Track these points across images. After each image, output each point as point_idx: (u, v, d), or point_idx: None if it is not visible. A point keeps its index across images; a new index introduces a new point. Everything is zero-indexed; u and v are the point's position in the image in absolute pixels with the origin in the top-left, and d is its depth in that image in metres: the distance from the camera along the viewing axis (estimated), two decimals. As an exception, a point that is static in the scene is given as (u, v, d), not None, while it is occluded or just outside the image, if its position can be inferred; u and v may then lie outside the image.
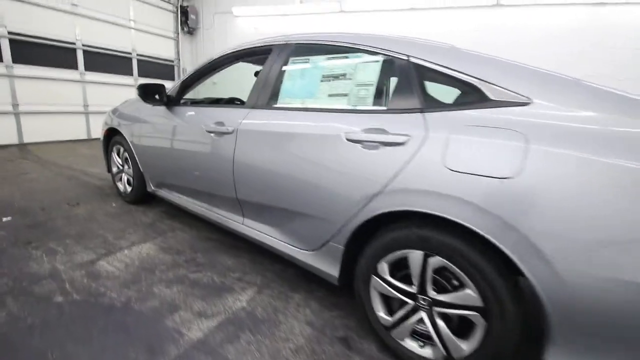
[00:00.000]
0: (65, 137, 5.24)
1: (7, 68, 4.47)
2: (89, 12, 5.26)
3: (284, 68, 1.61)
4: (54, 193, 2.88)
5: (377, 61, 1.30)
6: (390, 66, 1.28)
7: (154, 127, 2.26)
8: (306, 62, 1.55)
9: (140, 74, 6.33)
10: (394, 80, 1.28)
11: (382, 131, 1.16)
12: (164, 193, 2.35)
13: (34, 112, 4.80)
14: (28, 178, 3.26)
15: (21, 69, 4.58)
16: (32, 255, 1.82)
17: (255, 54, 1.86)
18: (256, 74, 2.80)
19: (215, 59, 2.00)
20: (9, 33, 4.37)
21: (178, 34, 6.94)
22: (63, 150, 4.66)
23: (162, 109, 2.19)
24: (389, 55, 1.27)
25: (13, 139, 4.69)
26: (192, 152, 1.95)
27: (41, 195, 2.80)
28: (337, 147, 1.25)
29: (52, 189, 2.97)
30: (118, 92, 5.90)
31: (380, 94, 1.29)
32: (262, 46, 1.77)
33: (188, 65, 7.32)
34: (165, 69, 6.92)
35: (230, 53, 1.93)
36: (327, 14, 5.68)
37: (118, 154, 2.74)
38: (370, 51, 1.32)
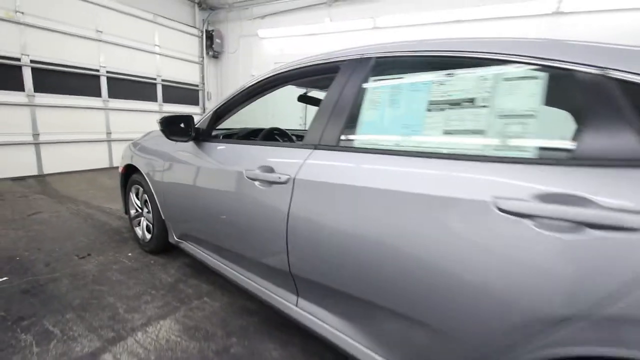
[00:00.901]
0: (86, 167, 4.98)
1: (29, 97, 4.27)
2: (113, 39, 5.11)
3: (361, 92, 1.14)
4: (65, 240, 2.48)
5: (536, 77, 0.80)
6: (565, 84, 0.77)
7: (179, 167, 1.82)
8: (398, 82, 1.07)
9: (165, 100, 6.12)
10: (577, 108, 0.77)
11: (583, 202, 0.65)
12: (189, 247, 1.89)
13: (54, 142, 4.58)
14: (39, 219, 2.91)
15: (43, 98, 4.39)
16: (19, 344, 1.37)
17: (315, 74, 1.41)
18: (302, 98, 2.38)
19: (257, 83, 1.57)
20: (32, 62, 4.20)
21: (203, 58, 6.77)
22: (83, 182, 4.37)
23: (189, 145, 1.76)
24: (560, 68, 0.77)
25: (32, 170, 4.46)
26: (227, 202, 1.49)
27: (49, 244, 2.40)
28: (484, 222, 0.74)
29: (63, 235, 2.58)
30: (142, 119, 5.69)
31: (551, 130, 0.78)
32: (325, 63, 1.32)
33: (213, 90, 7.11)
34: (190, 94, 6.72)
35: (278, 74, 1.49)
36: (360, 32, 5.32)
37: (137, 195, 2.33)
38: (523, 62, 0.82)
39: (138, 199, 2.32)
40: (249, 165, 1.36)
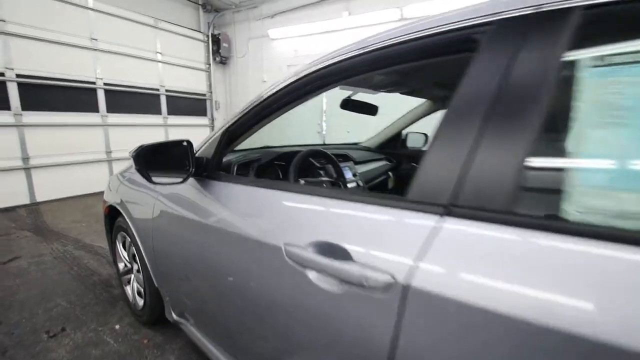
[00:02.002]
0: (84, 191, 4.46)
1: (16, 116, 3.75)
2: (110, 47, 4.60)
3: (566, 80, 0.49)
4: (38, 303, 1.90)
5: None
6: None
7: (173, 219, 1.21)
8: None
9: (170, 112, 5.58)
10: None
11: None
12: (194, 335, 1.26)
13: (47, 165, 4.06)
14: (15, 269, 2.34)
15: (32, 117, 3.87)
16: None
17: (406, 57, 0.75)
18: (345, 104, 1.74)
19: (289, 85, 0.95)
20: (18, 76, 3.70)
21: (209, 64, 6.23)
22: (78, 210, 3.83)
23: (188, 182, 1.15)
24: None
25: (23, 199, 3.95)
26: (256, 290, 0.86)
27: (17, 311, 1.82)
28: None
29: (37, 295, 2.00)
30: (146, 134, 5.16)
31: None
32: (436, 34, 0.66)
33: (221, 98, 6.55)
34: (197, 104, 6.18)
35: (330, 64, 0.85)
36: (384, 25, 4.67)
37: (124, 246, 1.73)
38: None
39: (126, 250, 1.72)
40: (292, 236, 0.73)
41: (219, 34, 6.12)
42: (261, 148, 1.93)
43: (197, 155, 1.17)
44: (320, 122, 5.66)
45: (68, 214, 3.68)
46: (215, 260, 1.00)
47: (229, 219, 0.96)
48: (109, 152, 4.72)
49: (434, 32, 0.66)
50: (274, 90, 0.98)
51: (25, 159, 3.91)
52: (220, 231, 0.97)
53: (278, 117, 1.08)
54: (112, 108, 4.68)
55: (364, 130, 5.09)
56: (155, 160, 1.04)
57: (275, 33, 5.70)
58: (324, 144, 2.24)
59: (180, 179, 1.07)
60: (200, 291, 1.15)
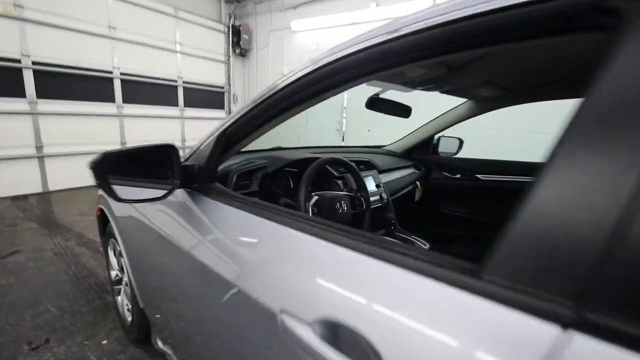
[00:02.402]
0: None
1: (31, 104, 3.68)
2: (129, 36, 4.49)
3: None
4: (27, 307, 1.76)
5: None
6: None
7: (158, 240, 0.99)
8: None
9: (187, 104, 5.45)
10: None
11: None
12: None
13: (60, 155, 4.00)
14: (12, 265, 2.23)
15: (47, 105, 3.80)
16: None
17: (473, 41, 0.48)
18: (372, 103, 1.45)
19: (305, 75, 0.70)
20: (34, 63, 3.62)
21: (229, 56, 6.06)
22: (88, 202, 3.74)
23: (177, 195, 0.94)
24: None
25: (36, 187, 3.91)
26: (242, 349, 0.63)
27: (4, 312, 1.70)
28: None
29: (29, 296, 1.87)
30: (161, 126, 5.07)
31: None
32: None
33: (240, 92, 6.39)
34: (215, 97, 6.04)
35: (359, 50, 0.60)
36: (413, 17, 4.33)
37: (115, 253, 1.55)
38: None
39: (116, 258, 1.54)
40: (294, 302, 0.49)
41: (239, 25, 5.94)
42: (271, 150, 1.70)
43: (187, 162, 0.95)
44: (340, 120, 5.40)
45: (77, 206, 3.59)
46: (199, 300, 0.78)
47: (216, 255, 0.73)
48: (123, 143, 4.64)
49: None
50: (284, 84, 0.75)
51: (39, 147, 3.86)
52: (205, 268, 0.74)
53: (288, 118, 0.84)
54: (128, 98, 4.59)
55: (385, 129, 4.81)
56: (131, 169, 0.83)
57: (298, 25, 5.46)
58: (344, 147, 1.99)
59: (160, 194, 0.85)
60: (183, 328, 0.94)
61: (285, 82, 0.76)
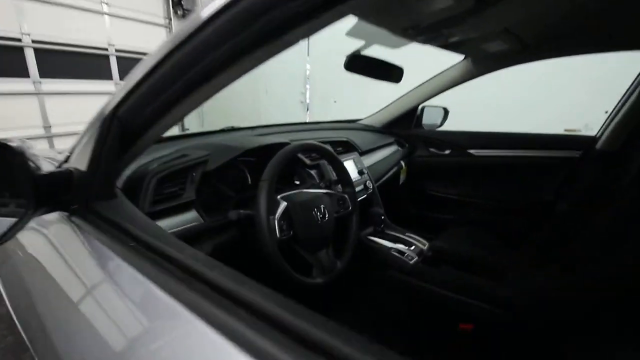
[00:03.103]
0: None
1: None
2: (38, -7, 3.61)
3: None
4: None
5: None
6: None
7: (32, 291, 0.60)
8: None
9: (124, 77, 4.66)
10: None
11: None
12: None
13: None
14: None
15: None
16: None
17: None
18: (352, 63, 1.01)
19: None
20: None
21: (170, 19, 5.24)
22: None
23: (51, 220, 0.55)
24: None
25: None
26: None
27: None
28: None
29: None
30: (95, 104, 4.26)
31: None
32: None
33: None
34: (158, 68, 5.23)
35: None
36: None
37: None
38: None
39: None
40: None
41: (180, -18, 5.10)
42: (221, 131, 1.31)
43: (63, 167, 0.56)
44: (303, 90, 4.95)
45: None
46: None
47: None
48: (47, 127, 3.89)
49: None
50: (207, 17, 0.37)
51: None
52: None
53: (223, 84, 0.46)
54: (47, 72, 3.78)
55: (354, 99, 4.45)
56: None
57: (248, -19, 4.76)
58: (312, 123, 1.63)
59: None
60: None
61: (210, 14, 0.39)
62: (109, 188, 0.63)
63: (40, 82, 3.76)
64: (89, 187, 0.60)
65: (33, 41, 3.64)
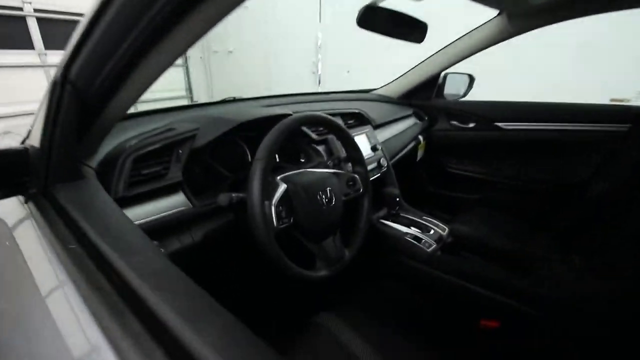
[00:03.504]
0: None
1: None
2: None
3: None
4: None
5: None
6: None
7: None
8: None
9: (50, 45, 3.71)
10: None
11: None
12: None
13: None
14: None
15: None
16: None
17: None
18: (366, 17, 0.83)
19: None
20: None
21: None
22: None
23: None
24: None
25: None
26: None
27: None
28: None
29: None
30: (15, 81, 3.47)
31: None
32: None
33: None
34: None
35: None
36: None
37: None
38: None
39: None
40: None
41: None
42: (221, 102, 1.19)
43: (20, 145, 0.47)
44: (315, 60, 4.71)
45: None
46: None
47: None
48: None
49: None
50: None
51: None
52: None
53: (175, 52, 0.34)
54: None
55: (372, 71, 4.19)
56: None
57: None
58: (322, 93, 1.48)
59: None
60: None
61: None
62: (72, 168, 0.54)
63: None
64: (46, 167, 0.51)
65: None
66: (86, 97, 0.49)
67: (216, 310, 0.26)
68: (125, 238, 0.38)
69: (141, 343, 0.23)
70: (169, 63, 0.43)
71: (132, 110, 0.62)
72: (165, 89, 4.76)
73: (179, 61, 5.15)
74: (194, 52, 5.28)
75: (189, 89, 5.26)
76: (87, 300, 0.28)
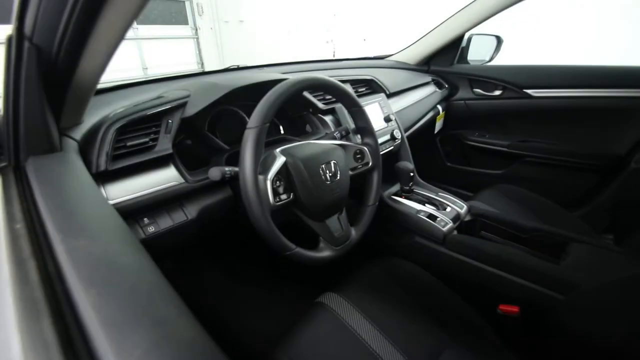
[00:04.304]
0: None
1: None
2: None
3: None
4: None
5: None
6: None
7: None
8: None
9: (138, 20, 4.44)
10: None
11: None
12: None
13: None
14: None
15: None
16: None
17: None
18: None
19: None
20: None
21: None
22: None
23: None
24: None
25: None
26: None
27: None
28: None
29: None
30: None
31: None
32: None
33: (204, 0, 5.21)
34: (172, 8, 4.91)
35: None
36: None
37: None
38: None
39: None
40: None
41: None
42: (224, 70, 1.12)
43: None
44: (330, 29, 4.49)
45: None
46: None
47: None
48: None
49: None
50: None
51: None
52: None
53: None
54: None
55: (390, 39, 3.95)
56: None
57: None
58: (334, 60, 1.37)
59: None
60: None
61: None
62: (48, 139, 0.48)
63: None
64: (14, 139, 0.46)
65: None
66: (50, 57, 0.43)
67: (163, 313, 0.21)
68: (83, 218, 0.33)
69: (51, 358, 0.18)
70: (133, 13, 0.36)
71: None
72: (179, 63, 4.73)
73: (190, 32, 5.02)
74: (204, 23, 5.12)
75: (201, 63, 5.17)
76: (2, 294, 0.24)
